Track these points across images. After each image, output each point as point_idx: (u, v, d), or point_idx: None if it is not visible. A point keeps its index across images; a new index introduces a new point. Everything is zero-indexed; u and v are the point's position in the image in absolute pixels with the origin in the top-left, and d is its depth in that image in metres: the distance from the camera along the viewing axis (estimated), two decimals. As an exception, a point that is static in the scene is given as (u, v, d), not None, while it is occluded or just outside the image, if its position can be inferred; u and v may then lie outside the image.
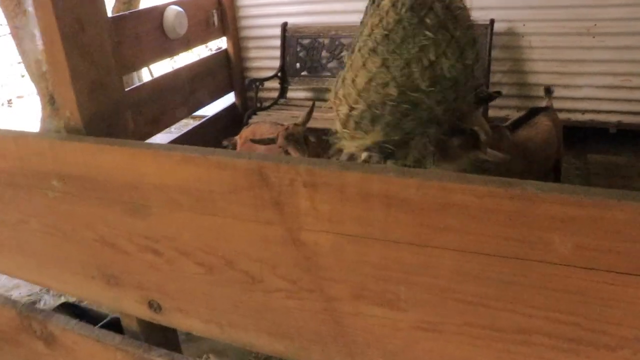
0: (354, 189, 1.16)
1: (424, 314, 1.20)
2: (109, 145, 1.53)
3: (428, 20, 3.47)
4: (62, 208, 1.71)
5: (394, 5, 3.58)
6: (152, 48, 6.11)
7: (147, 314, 1.71)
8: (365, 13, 3.79)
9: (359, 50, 3.84)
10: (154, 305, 1.68)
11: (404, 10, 3.55)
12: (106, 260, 1.70)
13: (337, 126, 3.86)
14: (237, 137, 5.46)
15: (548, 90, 5.43)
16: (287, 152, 4.44)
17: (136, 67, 6.27)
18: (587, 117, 6.25)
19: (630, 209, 0.94)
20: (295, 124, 4.54)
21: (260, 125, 5.38)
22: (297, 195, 1.24)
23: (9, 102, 11.73)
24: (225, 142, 5.57)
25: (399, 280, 1.20)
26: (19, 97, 11.77)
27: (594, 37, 6.02)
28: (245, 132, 5.39)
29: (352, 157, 3.85)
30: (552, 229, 1.01)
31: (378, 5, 3.69)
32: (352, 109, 3.83)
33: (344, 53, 3.65)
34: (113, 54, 5.49)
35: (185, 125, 8.31)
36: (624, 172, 5.66)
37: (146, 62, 6.35)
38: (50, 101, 9.12)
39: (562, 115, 6.29)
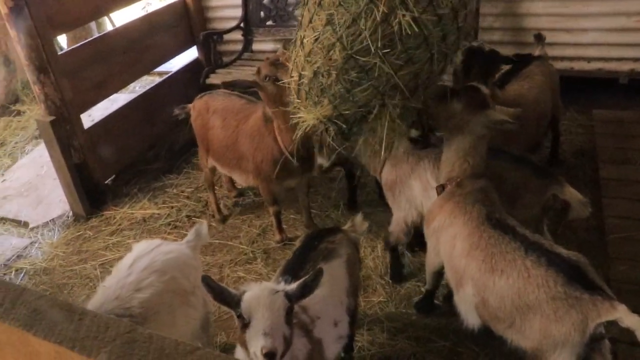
0: None
1: None
2: None
3: None
4: None
5: None
6: (81, 3, 5.20)
7: None
8: None
9: (306, 3, 3.09)
10: None
11: None
12: None
13: (292, 95, 3.21)
14: (190, 106, 4.76)
15: (539, 37, 4.63)
16: (275, 81, 3.71)
17: (65, 27, 5.39)
18: (594, 65, 5.42)
19: None
20: None
21: (214, 96, 4.65)
22: None
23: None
24: (177, 111, 4.86)
25: None
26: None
27: (602, -31, 5.14)
28: (199, 104, 4.66)
29: (313, 130, 3.16)
30: None
31: None
32: (300, 76, 3.11)
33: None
34: (31, 14, 4.44)
35: (151, 82, 7.61)
36: (635, 131, 4.89)
37: (78, 21, 5.48)
38: (5, 62, 8.37)
39: (563, 64, 5.48)
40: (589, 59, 5.43)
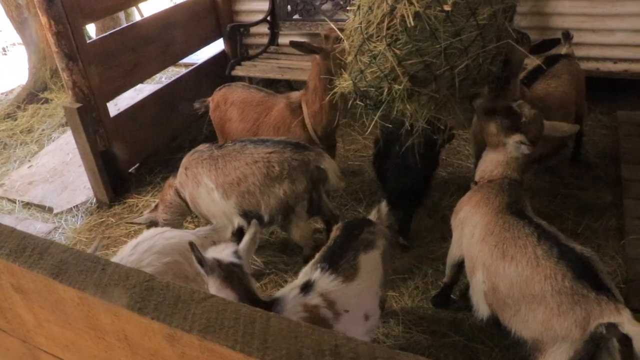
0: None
1: None
2: None
3: None
4: None
5: None
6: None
7: None
8: None
9: None
10: None
11: None
12: None
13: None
14: (209, 99, 4.82)
15: (567, 35, 4.59)
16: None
17: (95, 16, 5.48)
18: (620, 66, 5.37)
19: None
20: None
21: (233, 89, 4.69)
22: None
23: (4, 49, 11.16)
24: (197, 105, 4.92)
25: None
26: (13, 44, 11.19)
27: (630, -31, 5.08)
28: (217, 96, 4.72)
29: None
30: None
31: None
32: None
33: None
34: (62, 2, 4.58)
35: (177, 74, 7.70)
36: (661, 133, 4.83)
37: (108, 10, 5.59)
38: (35, 50, 8.52)
39: (589, 65, 5.42)
40: (615, 60, 5.37)
